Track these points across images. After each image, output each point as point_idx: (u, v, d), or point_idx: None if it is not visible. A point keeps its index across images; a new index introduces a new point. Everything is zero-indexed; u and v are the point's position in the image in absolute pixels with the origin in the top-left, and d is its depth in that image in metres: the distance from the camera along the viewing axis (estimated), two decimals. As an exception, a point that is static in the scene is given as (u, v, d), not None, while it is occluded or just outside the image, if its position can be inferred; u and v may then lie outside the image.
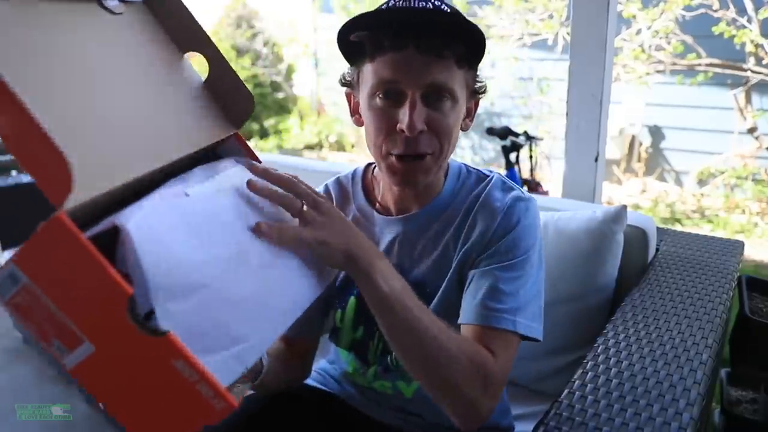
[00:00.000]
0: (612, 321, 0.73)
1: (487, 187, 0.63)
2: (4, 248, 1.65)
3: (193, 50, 0.49)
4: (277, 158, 1.73)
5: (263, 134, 5.36)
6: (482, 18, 3.48)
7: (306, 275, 0.48)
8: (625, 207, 0.90)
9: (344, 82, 0.64)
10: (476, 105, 0.64)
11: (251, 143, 5.53)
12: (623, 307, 0.77)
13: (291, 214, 0.48)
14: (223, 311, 0.37)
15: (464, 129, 0.63)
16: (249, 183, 0.46)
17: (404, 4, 0.55)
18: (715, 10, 2.79)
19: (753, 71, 2.88)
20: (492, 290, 0.57)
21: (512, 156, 2.33)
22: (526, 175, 2.45)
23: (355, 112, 0.65)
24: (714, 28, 2.74)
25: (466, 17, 0.56)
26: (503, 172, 2.36)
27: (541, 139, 2.55)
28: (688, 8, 2.85)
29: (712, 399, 1.06)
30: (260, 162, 0.52)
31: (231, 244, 0.41)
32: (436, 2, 0.55)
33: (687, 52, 2.98)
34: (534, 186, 2.41)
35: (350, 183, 0.71)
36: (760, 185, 3.11)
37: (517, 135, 2.35)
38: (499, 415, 0.72)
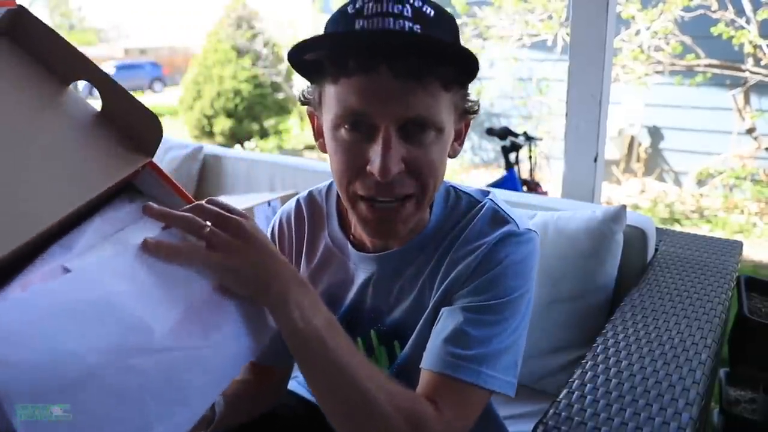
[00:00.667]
0: (611, 321, 0.73)
1: (474, 219, 0.54)
2: None
3: (78, 78, 0.42)
4: (278, 158, 1.73)
5: (263, 134, 5.37)
6: (482, 18, 3.48)
7: (233, 340, 0.41)
8: (624, 207, 0.90)
9: (303, 101, 0.54)
10: (467, 126, 0.54)
11: (251, 143, 5.48)
12: (622, 306, 0.77)
13: (193, 235, 0.41)
14: (114, 405, 0.33)
15: (452, 156, 0.53)
16: (145, 207, 0.40)
17: (376, 8, 0.44)
18: (714, 11, 2.80)
19: (751, 72, 2.89)
20: (457, 333, 0.48)
21: (512, 156, 2.34)
22: (525, 175, 2.45)
23: (319, 135, 0.54)
24: (713, 29, 2.75)
25: (455, 33, 0.47)
26: (503, 172, 2.37)
27: (541, 140, 2.56)
28: (686, 9, 2.86)
29: (711, 399, 1.07)
30: (182, 191, 0.45)
31: (125, 322, 0.35)
32: (416, 3, 0.45)
33: (686, 53, 2.99)
34: (533, 186, 2.42)
35: (324, 201, 0.62)
36: (759, 185, 3.12)
37: (516, 135, 2.35)
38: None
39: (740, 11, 2.78)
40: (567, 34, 1.67)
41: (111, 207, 0.42)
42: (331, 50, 0.46)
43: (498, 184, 2.20)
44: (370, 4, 0.45)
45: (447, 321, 0.50)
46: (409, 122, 0.46)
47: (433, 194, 0.51)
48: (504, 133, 2.34)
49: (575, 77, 1.24)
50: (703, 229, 2.94)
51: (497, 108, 4.11)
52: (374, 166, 0.46)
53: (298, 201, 0.65)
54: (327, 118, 0.49)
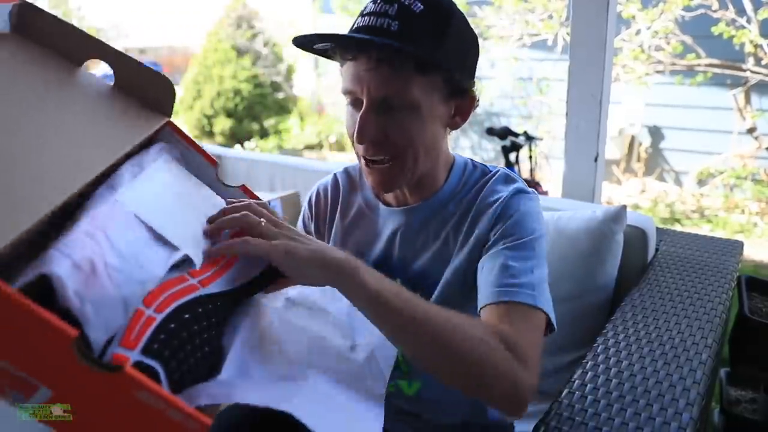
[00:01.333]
0: (612, 321, 0.73)
1: (489, 182, 0.64)
2: None
3: (89, 58, 0.47)
4: (278, 158, 1.73)
5: (263, 134, 5.37)
6: (482, 18, 3.48)
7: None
8: (624, 207, 0.90)
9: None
10: (472, 102, 0.62)
11: (251, 143, 5.48)
12: (623, 306, 0.77)
13: (251, 232, 0.45)
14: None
15: (453, 128, 0.63)
16: (206, 232, 0.45)
17: (371, 8, 0.55)
18: (715, 11, 2.80)
19: (752, 71, 2.89)
20: (504, 267, 0.55)
21: (512, 156, 2.34)
22: (525, 175, 2.45)
23: None
24: (713, 29, 2.75)
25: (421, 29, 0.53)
26: (503, 172, 2.37)
27: (541, 139, 2.56)
28: (687, 8, 2.85)
29: (712, 399, 1.07)
30: (199, 147, 0.50)
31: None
32: (406, 1, 0.54)
33: (686, 53, 2.98)
34: (533, 186, 2.41)
35: (358, 173, 0.73)
36: (760, 185, 3.12)
37: (516, 135, 2.35)
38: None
39: (741, 11, 2.78)
40: (567, 33, 1.67)
41: (135, 156, 0.47)
42: (329, 44, 0.57)
43: (498, 184, 2.19)
44: (370, 5, 0.57)
45: (491, 263, 0.57)
46: (384, 100, 0.56)
47: (418, 159, 0.60)
48: (504, 132, 2.34)
49: (575, 77, 1.24)
50: (704, 229, 2.94)
51: (497, 107, 4.11)
52: (355, 131, 0.57)
53: (334, 175, 0.75)
54: None
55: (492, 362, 0.46)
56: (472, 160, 0.69)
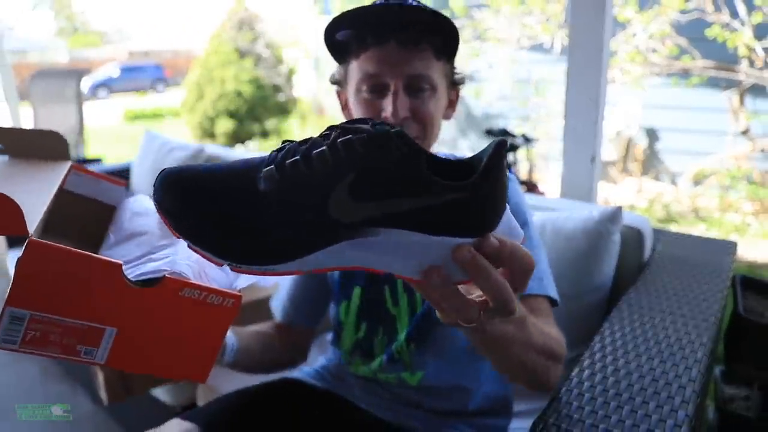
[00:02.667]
0: (609, 320, 0.74)
1: None
2: (10, 247, 1.64)
3: None
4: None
5: (264, 135, 5.37)
6: (480, 21, 3.50)
7: None
8: (620, 208, 0.91)
9: (334, 81, 0.67)
10: (457, 96, 0.66)
11: (254, 144, 5.50)
12: (620, 306, 0.78)
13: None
14: None
15: (447, 118, 0.66)
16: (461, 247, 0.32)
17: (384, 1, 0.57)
18: (709, 14, 2.82)
19: (746, 74, 2.91)
20: None
21: (510, 157, 2.36)
22: (523, 176, 2.47)
23: (345, 108, 0.67)
24: (707, 32, 2.77)
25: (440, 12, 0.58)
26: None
27: (537, 140, 2.58)
28: (682, 11, 2.88)
29: (707, 396, 1.08)
30: (99, 174, 0.53)
31: None
32: (412, 1, 0.57)
33: (682, 55, 3.01)
34: (531, 187, 2.44)
35: None
36: (754, 186, 3.14)
37: (514, 136, 2.37)
38: (501, 418, 0.73)
39: (735, 14, 2.81)
40: (565, 36, 1.69)
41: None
42: (353, 29, 0.58)
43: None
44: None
45: None
46: (411, 80, 0.58)
47: (431, 140, 0.62)
48: (502, 134, 2.36)
49: (573, 79, 1.25)
50: (699, 229, 2.96)
51: (496, 109, 4.12)
52: (387, 111, 0.58)
53: None
54: (351, 89, 0.62)
55: (545, 374, 0.53)
56: (453, 155, 0.72)
